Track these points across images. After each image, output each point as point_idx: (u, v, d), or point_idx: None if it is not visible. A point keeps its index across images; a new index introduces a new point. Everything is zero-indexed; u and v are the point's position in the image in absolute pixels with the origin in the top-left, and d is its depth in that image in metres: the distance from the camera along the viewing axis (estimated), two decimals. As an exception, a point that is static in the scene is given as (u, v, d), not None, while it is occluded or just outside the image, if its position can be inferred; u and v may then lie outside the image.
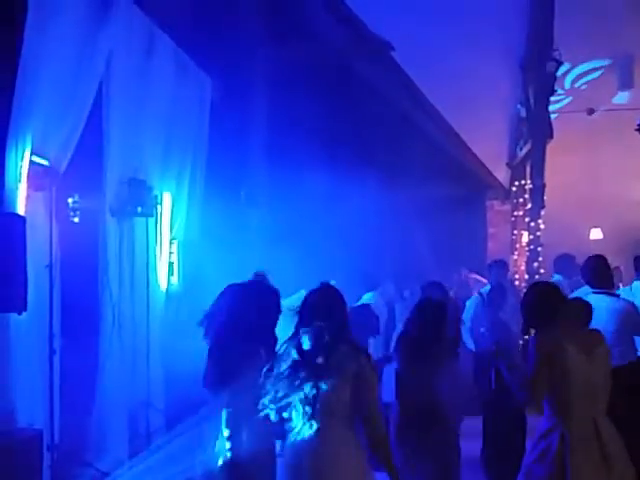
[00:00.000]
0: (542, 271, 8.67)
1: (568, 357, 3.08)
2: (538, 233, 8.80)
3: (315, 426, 2.93)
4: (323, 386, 2.90)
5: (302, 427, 2.96)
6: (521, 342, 5.62)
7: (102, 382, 5.10)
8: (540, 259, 8.71)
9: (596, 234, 11.21)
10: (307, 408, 2.92)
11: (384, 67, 8.30)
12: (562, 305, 3.28)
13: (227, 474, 3.32)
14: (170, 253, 6.46)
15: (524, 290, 7.18)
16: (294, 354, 2.99)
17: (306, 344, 2.98)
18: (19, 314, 3.95)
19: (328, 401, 2.90)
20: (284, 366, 2.98)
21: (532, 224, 8.86)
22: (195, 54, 6.68)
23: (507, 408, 4.39)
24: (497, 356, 3.43)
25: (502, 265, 7.04)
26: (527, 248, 8.99)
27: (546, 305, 3.24)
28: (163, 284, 6.26)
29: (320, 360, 2.92)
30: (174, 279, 6.55)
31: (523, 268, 8.91)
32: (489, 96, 9.04)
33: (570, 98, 9.94)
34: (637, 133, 7.09)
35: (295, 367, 2.95)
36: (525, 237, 9.13)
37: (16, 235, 3.89)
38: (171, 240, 6.49)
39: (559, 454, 3.02)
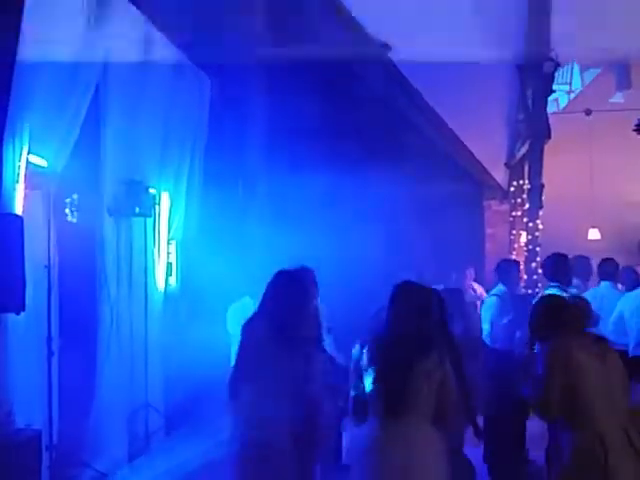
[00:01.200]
0: (540, 271, 8.68)
1: (581, 364, 3.07)
2: (536, 233, 8.81)
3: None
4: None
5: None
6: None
7: (100, 383, 5.09)
8: (538, 259, 8.71)
9: (594, 234, 11.20)
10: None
11: (382, 68, 8.30)
12: (568, 314, 3.30)
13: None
14: (168, 253, 6.45)
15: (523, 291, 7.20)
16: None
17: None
18: (17, 314, 3.94)
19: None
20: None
21: (530, 224, 8.88)
22: (193, 53, 6.66)
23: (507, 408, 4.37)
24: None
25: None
26: (525, 248, 9.00)
27: (554, 318, 3.27)
28: (161, 284, 6.25)
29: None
30: (172, 279, 6.53)
31: (521, 268, 8.90)
32: (487, 96, 9.05)
33: (568, 98, 9.97)
34: (635, 133, 7.08)
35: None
36: (523, 237, 9.15)
37: (14, 235, 3.88)
38: (169, 240, 6.48)
39: (601, 462, 2.99)
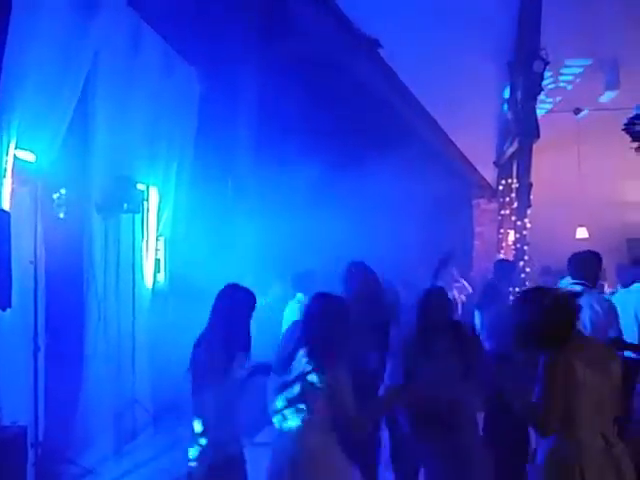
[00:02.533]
0: (528, 270, 8.73)
1: (579, 375, 2.92)
2: (524, 232, 8.86)
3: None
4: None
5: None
6: None
7: (87, 379, 5.07)
8: (526, 258, 8.77)
9: (582, 233, 11.29)
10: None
11: (372, 65, 8.29)
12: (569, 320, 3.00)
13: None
14: (156, 250, 6.42)
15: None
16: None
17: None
18: (3, 310, 3.92)
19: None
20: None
21: (518, 223, 8.92)
22: (182, 48, 6.64)
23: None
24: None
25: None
26: (513, 247, 9.05)
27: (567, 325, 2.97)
28: (149, 281, 6.22)
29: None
30: (160, 276, 6.51)
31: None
32: (477, 95, 9.07)
33: (557, 98, 10.01)
34: (623, 133, 7.13)
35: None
36: (511, 236, 9.20)
37: (0, 231, 3.85)
38: (157, 237, 6.45)
39: (578, 471, 2.95)
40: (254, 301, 3.48)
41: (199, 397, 3.29)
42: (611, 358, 3.08)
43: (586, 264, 4.80)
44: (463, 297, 8.50)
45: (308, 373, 3.02)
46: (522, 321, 3.01)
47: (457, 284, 9.41)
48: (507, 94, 9.14)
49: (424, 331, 3.95)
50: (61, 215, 4.86)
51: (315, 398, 3.00)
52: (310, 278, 5.59)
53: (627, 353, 5.13)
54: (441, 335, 3.90)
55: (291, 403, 3.04)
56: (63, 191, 4.97)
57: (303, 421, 3.01)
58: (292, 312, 5.44)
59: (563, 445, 2.98)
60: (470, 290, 8.11)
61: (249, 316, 3.44)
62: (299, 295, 5.63)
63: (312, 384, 3.00)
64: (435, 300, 4.05)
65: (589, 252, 4.91)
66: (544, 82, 8.70)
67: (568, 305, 2.99)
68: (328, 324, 3.10)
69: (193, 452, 3.23)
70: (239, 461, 3.35)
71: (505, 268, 6.92)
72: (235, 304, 3.44)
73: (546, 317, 2.92)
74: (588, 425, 2.97)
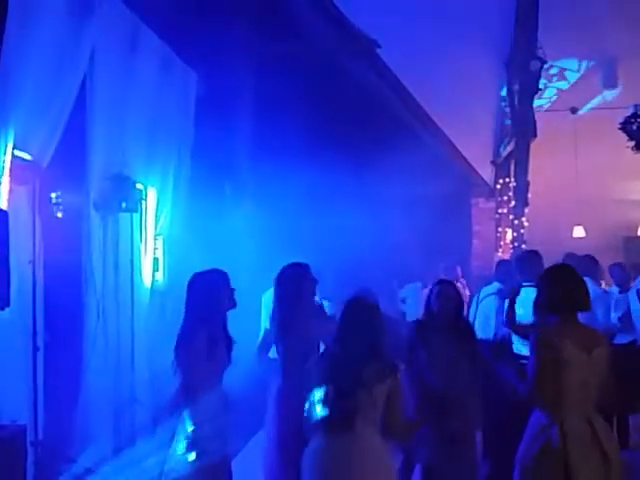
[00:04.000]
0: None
1: (567, 353, 3.04)
2: (522, 230, 8.91)
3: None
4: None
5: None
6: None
7: (86, 378, 5.07)
8: (524, 256, 8.77)
9: (579, 232, 11.32)
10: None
11: (370, 64, 8.31)
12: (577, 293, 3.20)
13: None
14: (155, 249, 6.42)
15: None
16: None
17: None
18: (2, 310, 3.91)
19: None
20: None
21: (516, 222, 8.97)
22: (180, 49, 6.64)
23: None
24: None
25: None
26: (511, 245, 9.09)
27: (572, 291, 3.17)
28: (148, 280, 6.23)
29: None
30: (159, 275, 6.51)
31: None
32: (474, 94, 9.10)
33: (554, 97, 10.03)
34: (620, 132, 7.14)
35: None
36: (509, 234, 9.24)
37: (-1, 230, 3.86)
38: (156, 236, 6.45)
39: (561, 450, 3.00)
40: (225, 280, 3.56)
41: (186, 392, 3.31)
42: (598, 344, 3.16)
43: (533, 264, 4.98)
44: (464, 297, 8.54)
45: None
46: (547, 289, 3.20)
47: (458, 283, 9.45)
48: (504, 93, 9.17)
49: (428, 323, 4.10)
50: (59, 214, 4.86)
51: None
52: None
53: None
54: (444, 328, 4.00)
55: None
56: (60, 191, 4.98)
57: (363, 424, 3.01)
58: None
59: (549, 426, 3.04)
60: (467, 293, 8.16)
61: (223, 295, 3.49)
62: None
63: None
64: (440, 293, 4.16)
65: (531, 252, 5.18)
66: (541, 81, 8.73)
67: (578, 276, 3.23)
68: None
69: (181, 452, 3.24)
70: (225, 464, 3.35)
71: (507, 269, 6.94)
72: (207, 286, 3.52)
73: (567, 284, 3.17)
74: (574, 407, 3.04)
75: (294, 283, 4.26)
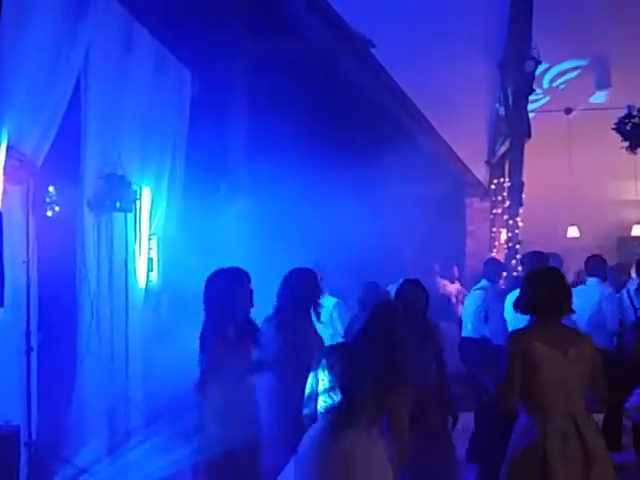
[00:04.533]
0: (520, 269, 8.76)
1: (539, 354, 3.07)
2: (516, 231, 8.91)
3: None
4: None
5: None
6: None
7: (80, 378, 5.06)
8: (518, 256, 8.80)
9: (573, 232, 11.36)
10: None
11: (365, 64, 8.32)
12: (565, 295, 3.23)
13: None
14: (149, 249, 6.41)
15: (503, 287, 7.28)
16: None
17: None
18: (-5, 309, 3.91)
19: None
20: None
21: (510, 222, 8.97)
22: (175, 48, 6.63)
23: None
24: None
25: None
26: (505, 246, 9.09)
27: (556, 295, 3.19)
28: (142, 280, 6.22)
29: None
30: (153, 275, 6.50)
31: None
32: (468, 94, 9.11)
33: (548, 97, 10.05)
34: (614, 132, 7.16)
35: None
36: (504, 235, 9.25)
37: (-8, 230, 3.84)
38: (150, 236, 6.44)
39: (541, 450, 3.02)
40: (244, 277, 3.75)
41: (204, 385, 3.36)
42: (575, 343, 3.17)
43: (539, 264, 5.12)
44: (461, 296, 8.57)
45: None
46: (528, 290, 3.24)
47: (454, 283, 9.48)
48: (499, 94, 9.18)
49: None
50: (53, 214, 4.84)
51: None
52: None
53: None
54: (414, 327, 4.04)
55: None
56: (55, 190, 4.96)
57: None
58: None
59: (530, 427, 3.06)
60: (465, 292, 8.20)
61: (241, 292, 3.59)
62: None
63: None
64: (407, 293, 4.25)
65: (538, 252, 5.65)
66: (535, 81, 8.74)
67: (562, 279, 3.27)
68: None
69: (197, 445, 3.26)
70: (246, 457, 3.36)
71: (495, 267, 7.01)
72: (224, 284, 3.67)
73: (548, 285, 3.20)
74: (554, 407, 3.04)
75: (300, 286, 4.37)
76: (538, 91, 9.33)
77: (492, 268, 6.97)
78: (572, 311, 3.26)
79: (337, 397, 3.05)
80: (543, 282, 3.24)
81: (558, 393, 3.08)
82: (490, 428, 4.89)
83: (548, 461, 2.98)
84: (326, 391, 3.08)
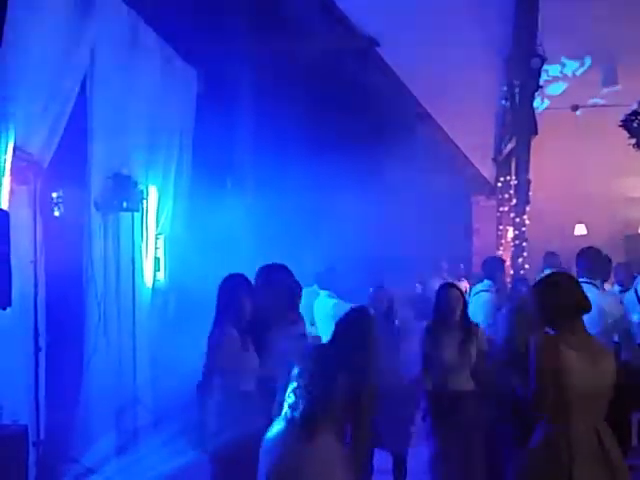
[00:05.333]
0: (527, 266, 8.74)
1: (569, 361, 2.97)
2: (523, 229, 8.85)
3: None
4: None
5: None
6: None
7: (88, 378, 5.07)
8: (525, 254, 8.77)
9: (580, 230, 11.31)
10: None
11: (370, 63, 8.30)
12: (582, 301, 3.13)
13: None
14: (156, 248, 6.42)
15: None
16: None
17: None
18: (3, 309, 3.91)
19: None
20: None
21: (517, 220, 8.92)
22: (180, 47, 6.64)
23: None
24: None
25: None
26: (512, 244, 9.04)
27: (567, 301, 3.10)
28: (149, 280, 6.22)
29: None
30: (160, 275, 6.51)
31: (508, 263, 8.97)
32: (474, 92, 9.08)
33: (555, 94, 10.01)
34: (621, 129, 7.12)
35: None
36: (510, 233, 9.19)
37: None
38: (157, 235, 6.45)
39: (566, 460, 2.94)
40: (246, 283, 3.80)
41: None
42: (603, 353, 3.12)
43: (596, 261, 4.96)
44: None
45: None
46: (543, 300, 3.16)
47: (462, 281, 9.46)
48: (505, 91, 9.14)
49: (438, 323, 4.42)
50: (60, 214, 4.85)
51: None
52: (332, 275, 6.01)
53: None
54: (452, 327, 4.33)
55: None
56: (62, 191, 4.96)
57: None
58: (323, 307, 5.79)
59: (555, 433, 3.01)
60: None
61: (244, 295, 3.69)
62: (323, 292, 5.93)
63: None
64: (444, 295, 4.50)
65: (592, 248, 5.06)
66: (541, 78, 8.70)
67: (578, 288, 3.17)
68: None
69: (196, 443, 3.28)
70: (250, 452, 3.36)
71: (494, 265, 6.94)
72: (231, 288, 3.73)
73: (563, 295, 3.10)
74: (580, 416, 2.99)
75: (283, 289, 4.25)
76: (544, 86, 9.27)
77: (492, 266, 6.88)
78: (589, 309, 3.19)
79: (303, 397, 3.10)
80: (563, 288, 3.15)
81: (587, 404, 3.00)
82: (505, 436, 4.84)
83: (573, 472, 2.92)
84: (293, 390, 3.14)
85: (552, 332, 3.15)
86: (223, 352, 3.54)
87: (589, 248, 5.17)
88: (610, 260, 6.04)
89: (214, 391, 3.56)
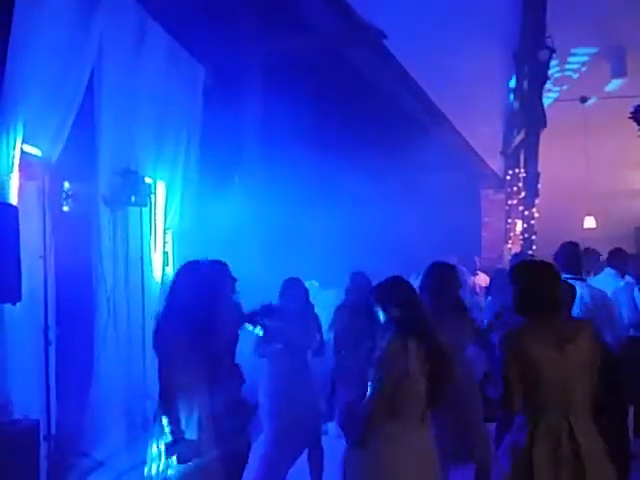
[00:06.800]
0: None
1: (534, 354, 2.91)
2: (532, 221, 8.83)
3: None
4: None
5: None
6: None
7: (98, 372, 5.09)
8: (534, 247, 8.74)
9: (589, 222, 11.25)
10: None
11: (377, 55, 8.27)
12: (558, 289, 3.05)
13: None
14: (165, 243, 6.43)
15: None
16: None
17: None
18: (13, 304, 3.93)
19: None
20: None
21: (526, 212, 8.89)
22: (187, 42, 6.63)
23: None
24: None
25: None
26: (521, 237, 9.02)
27: (542, 289, 3.01)
28: (158, 274, 6.24)
29: None
30: (169, 269, 6.52)
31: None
32: (483, 85, 9.04)
33: (563, 86, 9.95)
34: (630, 121, 7.07)
35: None
36: (519, 226, 9.17)
37: (9, 225, 3.86)
38: (165, 230, 6.46)
39: (526, 450, 2.89)
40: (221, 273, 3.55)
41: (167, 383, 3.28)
42: (572, 338, 2.98)
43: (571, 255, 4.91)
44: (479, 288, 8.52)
45: None
46: (519, 287, 3.06)
47: (477, 275, 9.42)
48: (513, 83, 9.10)
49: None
50: (68, 209, 4.86)
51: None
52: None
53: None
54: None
55: None
56: (70, 185, 4.98)
57: None
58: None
59: (521, 426, 2.97)
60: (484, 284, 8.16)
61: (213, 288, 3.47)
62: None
63: None
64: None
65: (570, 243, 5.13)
66: (550, 70, 8.65)
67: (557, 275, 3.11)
68: None
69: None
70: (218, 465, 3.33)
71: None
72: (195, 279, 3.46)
73: (541, 283, 3.02)
74: (545, 407, 2.92)
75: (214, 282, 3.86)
76: (553, 79, 9.22)
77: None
78: (569, 307, 3.13)
79: None
80: (537, 279, 3.05)
81: (552, 392, 2.90)
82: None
83: (533, 462, 2.88)
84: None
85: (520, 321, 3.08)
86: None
87: (569, 243, 5.20)
88: (598, 253, 6.07)
89: None
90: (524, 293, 3.03)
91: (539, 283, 3.03)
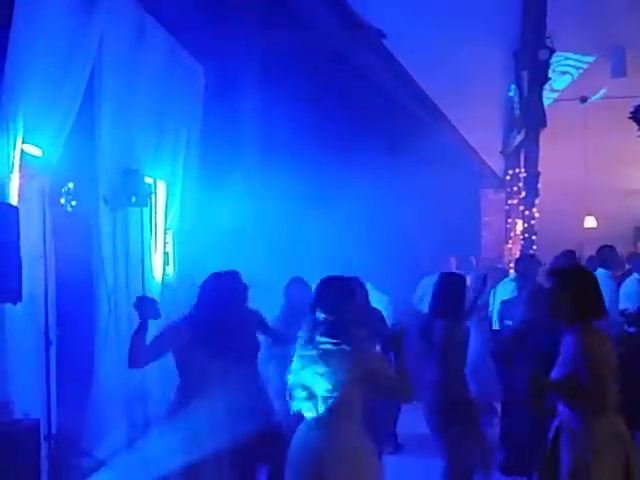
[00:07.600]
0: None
1: (612, 356, 2.97)
2: (532, 221, 8.83)
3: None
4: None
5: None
6: None
7: (99, 372, 5.09)
8: (534, 247, 8.74)
9: (590, 222, 11.25)
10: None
11: (377, 55, 8.27)
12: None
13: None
14: (165, 243, 6.43)
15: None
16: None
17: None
18: (14, 304, 3.93)
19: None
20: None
21: (526, 212, 8.89)
22: (187, 42, 6.64)
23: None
24: None
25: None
26: (521, 236, 9.02)
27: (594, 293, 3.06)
28: (158, 274, 6.24)
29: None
30: (169, 269, 6.53)
31: (517, 256, 8.93)
32: (482, 84, 9.04)
33: (563, 86, 9.96)
34: (630, 120, 7.08)
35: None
36: (519, 225, 9.17)
37: (9, 225, 3.86)
38: (166, 230, 6.47)
39: (624, 452, 2.94)
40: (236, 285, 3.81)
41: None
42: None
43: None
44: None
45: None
46: (562, 294, 3.04)
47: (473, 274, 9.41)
48: (513, 83, 9.11)
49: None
50: (69, 208, 4.87)
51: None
52: None
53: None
54: None
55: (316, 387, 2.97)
56: (71, 185, 4.98)
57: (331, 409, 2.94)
58: None
59: (606, 426, 2.94)
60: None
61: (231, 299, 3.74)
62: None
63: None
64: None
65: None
66: (550, 70, 8.66)
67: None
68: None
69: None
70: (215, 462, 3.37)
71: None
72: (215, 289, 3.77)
73: (587, 290, 3.03)
74: (614, 405, 2.98)
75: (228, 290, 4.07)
76: (553, 79, 9.22)
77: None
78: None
79: None
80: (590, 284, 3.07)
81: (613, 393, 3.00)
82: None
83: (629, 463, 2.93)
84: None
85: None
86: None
87: (568, 251, 5.78)
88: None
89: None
90: (586, 297, 3.03)
91: (598, 288, 3.07)
